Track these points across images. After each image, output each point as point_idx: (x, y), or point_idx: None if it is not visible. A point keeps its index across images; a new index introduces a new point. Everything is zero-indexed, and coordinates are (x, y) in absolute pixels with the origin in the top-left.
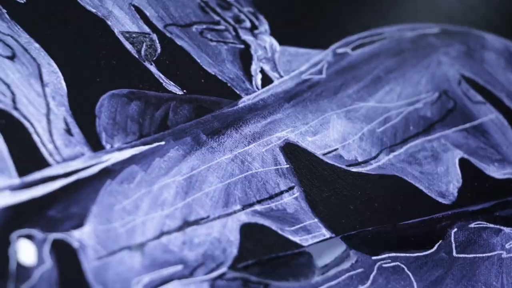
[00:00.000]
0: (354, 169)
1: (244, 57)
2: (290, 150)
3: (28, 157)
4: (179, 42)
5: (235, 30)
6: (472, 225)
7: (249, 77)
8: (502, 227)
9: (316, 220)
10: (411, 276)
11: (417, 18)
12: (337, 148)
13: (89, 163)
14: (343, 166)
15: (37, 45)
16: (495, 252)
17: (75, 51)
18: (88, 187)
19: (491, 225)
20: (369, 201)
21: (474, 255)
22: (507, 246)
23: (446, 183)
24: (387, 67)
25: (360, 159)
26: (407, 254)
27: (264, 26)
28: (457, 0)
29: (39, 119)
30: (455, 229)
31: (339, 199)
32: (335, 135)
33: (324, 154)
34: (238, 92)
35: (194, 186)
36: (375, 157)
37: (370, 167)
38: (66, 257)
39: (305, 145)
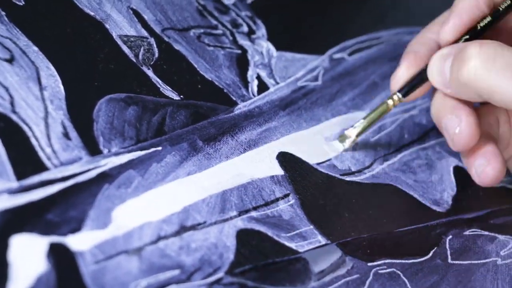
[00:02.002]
0: (348, 178)
1: (241, 63)
2: (285, 158)
3: (26, 161)
4: (176, 46)
5: (232, 34)
6: (467, 233)
7: (245, 83)
8: (496, 235)
9: (311, 227)
10: (406, 282)
11: (415, 22)
12: (330, 159)
13: (87, 168)
14: (337, 175)
15: (35, 48)
16: (490, 259)
17: (74, 55)
18: (86, 191)
19: (486, 233)
20: (364, 209)
21: (469, 262)
22: (502, 253)
23: (441, 191)
24: (384, 73)
25: (353, 169)
26: (403, 261)
27: (262, 31)
28: None
29: (37, 123)
30: (450, 236)
31: (334, 206)
32: (328, 145)
33: (317, 164)
34: (234, 99)
35: (191, 192)
36: (368, 167)
37: (364, 176)
38: (63, 261)
39: (299, 154)
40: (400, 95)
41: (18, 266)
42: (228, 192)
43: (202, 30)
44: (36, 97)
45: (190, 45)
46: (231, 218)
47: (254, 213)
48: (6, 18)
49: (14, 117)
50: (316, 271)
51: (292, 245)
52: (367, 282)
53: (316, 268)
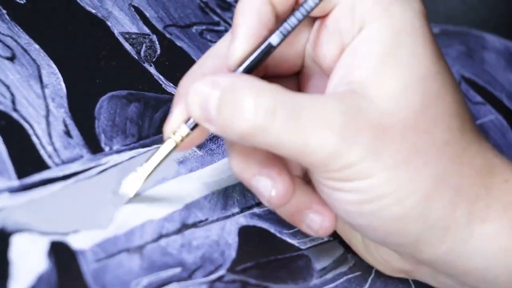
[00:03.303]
0: None
1: None
2: None
3: (27, 159)
4: (178, 43)
5: None
6: None
7: None
8: None
9: None
10: (409, 279)
11: None
12: None
13: (88, 166)
14: None
15: (36, 46)
16: None
17: (75, 52)
18: None
19: None
20: None
21: None
22: None
23: None
24: None
25: None
26: None
27: None
28: (457, 0)
29: (39, 121)
30: None
31: None
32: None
33: None
34: None
35: (193, 189)
36: None
37: None
38: (65, 259)
39: None
40: (188, 130)
41: (19, 264)
42: (230, 189)
43: (204, 27)
44: (38, 95)
45: (193, 42)
46: (233, 215)
47: (256, 210)
48: (7, 16)
49: (15, 115)
50: (318, 268)
51: (294, 242)
52: (369, 279)
53: (318, 265)
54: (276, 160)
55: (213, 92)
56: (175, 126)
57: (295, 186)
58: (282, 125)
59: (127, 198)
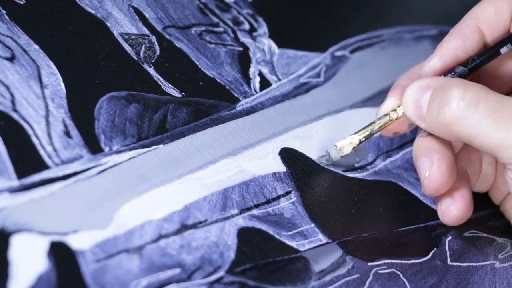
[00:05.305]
0: (350, 175)
1: (243, 60)
2: (288, 154)
3: (27, 159)
4: (178, 44)
5: (233, 32)
6: (466, 234)
7: (247, 80)
8: (495, 237)
9: (312, 225)
10: (406, 283)
11: (416, 20)
12: None
13: (88, 166)
14: (340, 172)
15: (36, 47)
16: (489, 262)
17: (75, 53)
18: None
19: (485, 235)
20: (365, 207)
21: (468, 264)
22: (500, 256)
23: None
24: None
25: (356, 165)
26: (403, 261)
27: (263, 29)
28: (456, 1)
29: (38, 121)
30: (450, 237)
31: (336, 204)
32: (332, 140)
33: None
34: (236, 95)
35: (192, 190)
36: (371, 163)
37: (366, 173)
38: (64, 259)
39: (302, 150)
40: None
41: (18, 265)
42: (229, 190)
43: (203, 28)
44: (37, 96)
45: (192, 43)
46: (232, 216)
47: (255, 211)
48: (7, 17)
49: (15, 116)
50: (316, 270)
51: (293, 243)
52: (367, 282)
53: (316, 267)
54: (442, 151)
55: (426, 92)
56: (385, 111)
57: (450, 178)
58: (482, 117)
59: (337, 157)
